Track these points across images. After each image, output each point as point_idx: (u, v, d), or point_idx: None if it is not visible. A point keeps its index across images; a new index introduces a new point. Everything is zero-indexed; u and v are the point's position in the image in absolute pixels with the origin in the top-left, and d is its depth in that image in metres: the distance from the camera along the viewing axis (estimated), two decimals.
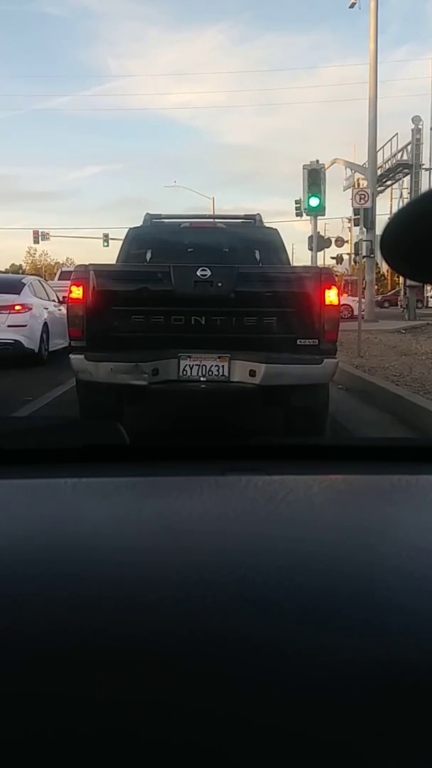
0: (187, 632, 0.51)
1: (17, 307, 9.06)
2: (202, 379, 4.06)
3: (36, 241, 45.73)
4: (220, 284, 4.05)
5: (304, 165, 16.75)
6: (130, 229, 5.82)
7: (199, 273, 4.06)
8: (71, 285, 4.22)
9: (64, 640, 0.50)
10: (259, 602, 0.55)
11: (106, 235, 44.42)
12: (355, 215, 19.75)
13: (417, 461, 1.04)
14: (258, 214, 6.40)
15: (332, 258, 40.23)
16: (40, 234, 46.35)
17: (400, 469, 0.98)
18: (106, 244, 44.22)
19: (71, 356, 4.20)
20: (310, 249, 18.65)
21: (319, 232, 18.28)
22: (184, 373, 4.06)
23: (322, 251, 32.60)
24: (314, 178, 16.65)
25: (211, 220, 6.83)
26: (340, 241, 34.03)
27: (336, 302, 4.16)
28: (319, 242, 18.85)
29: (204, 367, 4.07)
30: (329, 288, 4.11)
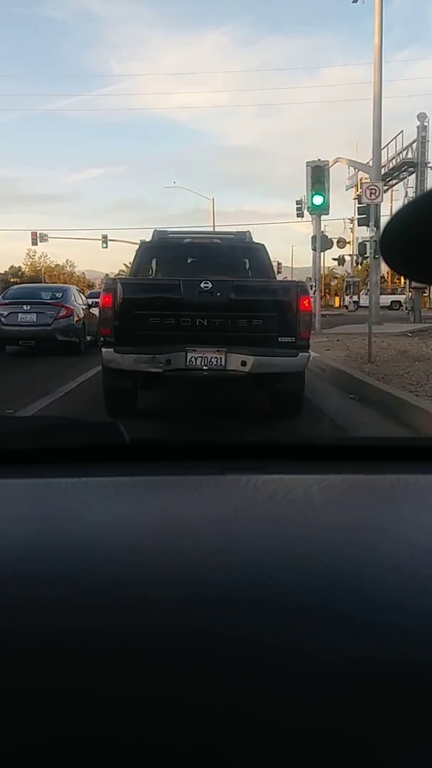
0: (187, 631, 0.51)
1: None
2: (204, 368, 5.05)
3: (34, 243, 45.30)
4: (218, 294, 5.04)
5: (307, 162, 16.19)
6: (141, 243, 7.08)
7: (202, 285, 5.06)
8: (103, 295, 5.32)
9: (65, 640, 0.50)
10: (259, 601, 0.55)
11: (104, 237, 44.22)
12: (359, 214, 19.21)
13: (416, 461, 1.04)
14: (248, 231, 7.58)
15: (334, 259, 39.68)
16: (38, 235, 45.98)
17: (400, 469, 0.98)
18: (105, 245, 44.07)
19: (103, 349, 5.19)
20: (314, 249, 18.04)
21: (323, 232, 17.66)
22: (191, 363, 5.05)
23: (323, 252, 31.91)
24: (318, 175, 16.06)
25: (209, 236, 8.08)
26: (342, 242, 33.28)
27: (309, 308, 5.37)
28: (322, 242, 18.19)
29: (206, 359, 5.06)
30: (303, 298, 5.21)
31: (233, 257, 6.75)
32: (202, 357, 5.08)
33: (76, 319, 12.25)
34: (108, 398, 5.45)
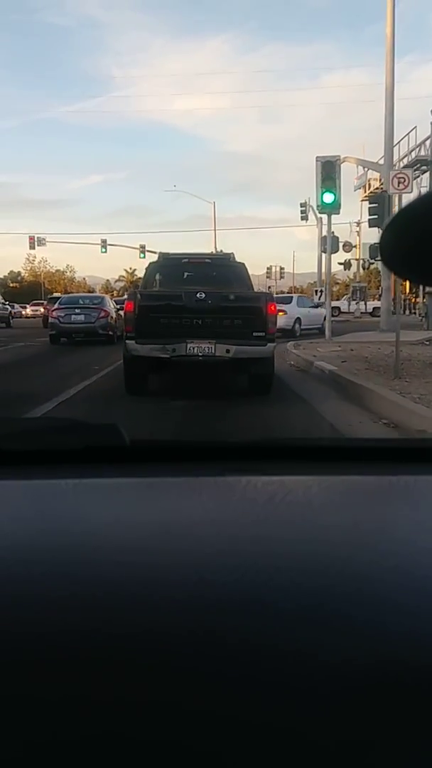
0: (186, 632, 0.51)
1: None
2: (199, 354, 7.04)
3: (32, 247, 44.44)
4: (210, 301, 7.02)
5: (317, 157, 15.10)
6: (151, 263, 9.33)
7: (198, 295, 7.04)
8: (126, 302, 7.56)
9: (64, 641, 0.51)
10: (259, 602, 0.55)
11: (103, 241, 43.61)
12: (371, 215, 18.00)
13: (416, 462, 1.05)
14: (232, 252, 9.55)
15: (340, 263, 38.31)
16: (36, 240, 44.96)
17: (399, 470, 0.98)
18: (103, 249, 43.50)
19: (126, 341, 7.18)
20: (324, 251, 16.78)
21: (333, 232, 16.40)
22: (190, 351, 7.01)
23: (321, 260, 30.48)
24: (329, 171, 14.83)
25: (202, 256, 10.03)
26: (348, 246, 31.86)
27: (274, 312, 7.31)
28: (333, 244, 16.88)
29: (201, 348, 7.02)
30: (270, 304, 7.23)
31: (220, 273, 8.76)
32: (198, 346, 7.02)
33: (111, 318, 16.83)
34: (128, 379, 7.39)
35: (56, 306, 17.88)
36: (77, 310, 16.93)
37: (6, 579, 0.60)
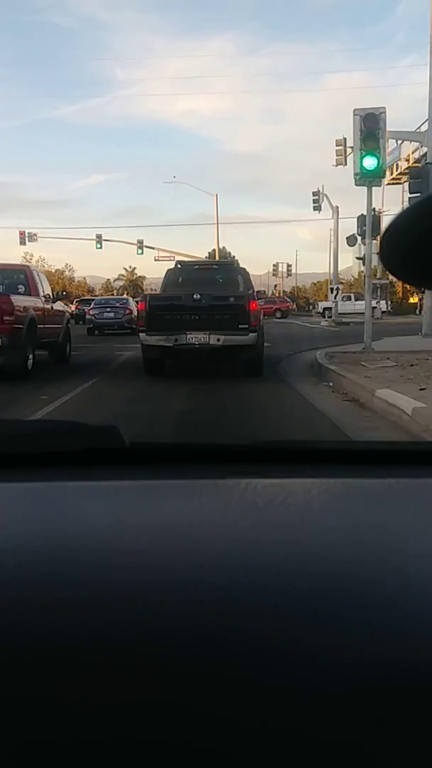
0: (187, 635, 0.52)
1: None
2: (196, 343, 9.08)
3: (22, 243, 41.11)
4: (204, 301, 9.11)
5: (355, 110, 11.43)
6: (168, 269, 11.92)
7: (194, 296, 9.16)
8: (139, 303, 10.41)
9: (65, 643, 0.51)
10: (259, 605, 0.56)
11: (99, 236, 40.50)
12: (412, 192, 14.46)
13: (416, 464, 1.05)
14: (235, 258, 13.42)
15: (358, 258, 34.62)
16: (27, 235, 41.54)
17: (399, 472, 0.98)
18: (99, 245, 40.53)
19: (140, 333, 9.42)
20: (356, 242, 13.15)
21: (375, 210, 12.80)
22: (189, 340, 9.06)
23: (337, 254, 26.95)
24: (371, 126, 11.23)
25: (210, 263, 14.90)
26: None
27: (256, 308, 9.31)
28: (337, 241, 13.28)
29: (197, 338, 9.04)
30: (253, 302, 9.33)
31: (225, 276, 11.44)
32: (195, 336, 9.05)
33: (133, 315, 19.86)
34: (145, 363, 9.53)
35: (92, 306, 25.55)
36: (108, 309, 24.09)
37: (6, 582, 0.60)
